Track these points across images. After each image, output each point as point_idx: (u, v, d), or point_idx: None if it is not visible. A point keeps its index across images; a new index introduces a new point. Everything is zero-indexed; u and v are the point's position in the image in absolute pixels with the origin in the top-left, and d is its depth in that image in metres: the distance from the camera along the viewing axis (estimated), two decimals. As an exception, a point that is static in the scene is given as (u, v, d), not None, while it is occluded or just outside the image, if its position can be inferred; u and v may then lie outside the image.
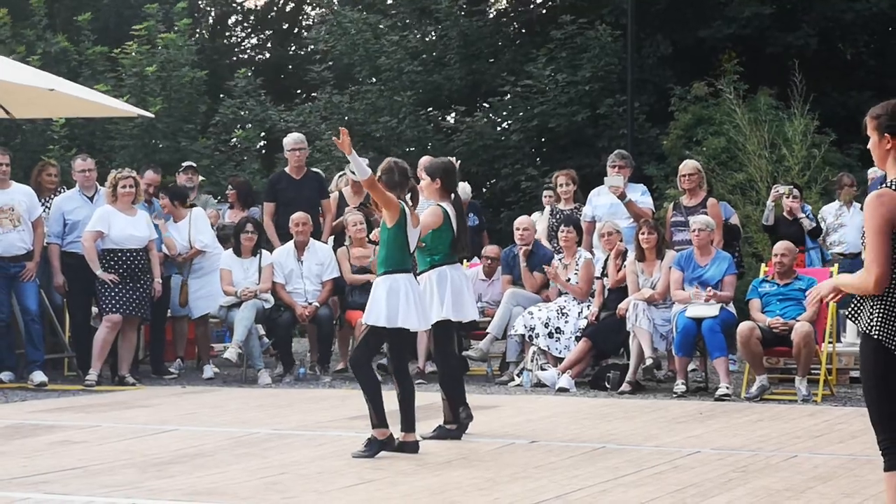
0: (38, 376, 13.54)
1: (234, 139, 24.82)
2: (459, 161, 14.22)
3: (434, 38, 26.15)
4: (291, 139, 15.48)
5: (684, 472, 8.37)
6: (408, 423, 9.26)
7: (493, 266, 14.49)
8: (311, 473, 8.40)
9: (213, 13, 33.92)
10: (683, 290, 13.00)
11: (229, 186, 16.59)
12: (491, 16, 26.63)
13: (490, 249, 14.70)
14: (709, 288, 12.81)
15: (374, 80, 25.05)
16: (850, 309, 5.74)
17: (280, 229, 14.84)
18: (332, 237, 15.09)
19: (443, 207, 9.78)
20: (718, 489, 7.81)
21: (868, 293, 5.60)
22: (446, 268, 9.85)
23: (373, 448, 9.08)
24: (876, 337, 5.56)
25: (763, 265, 13.78)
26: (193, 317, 14.86)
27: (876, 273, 5.53)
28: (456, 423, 9.87)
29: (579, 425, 10.70)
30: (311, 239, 14.47)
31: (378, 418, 9.17)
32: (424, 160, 14.92)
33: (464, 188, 14.84)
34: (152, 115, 18.76)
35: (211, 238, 14.85)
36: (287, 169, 15.45)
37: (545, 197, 16.65)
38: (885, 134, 5.69)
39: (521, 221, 14.58)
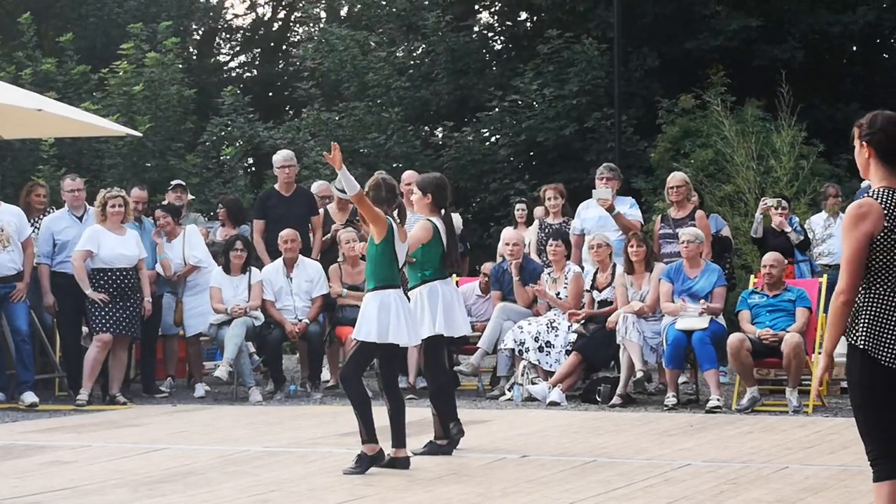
0: (29, 397, 13.51)
1: (224, 156, 24.83)
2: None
3: (421, 53, 26.18)
4: (281, 156, 15.51)
5: (675, 485, 8.38)
6: (398, 439, 9.27)
7: (490, 283, 14.49)
8: (301, 491, 8.40)
9: (199, 32, 33.90)
10: (673, 301, 13.03)
11: (219, 204, 16.59)
12: (476, 31, 26.63)
13: (487, 266, 14.73)
14: (702, 300, 12.82)
15: (363, 96, 25.06)
16: (847, 325, 5.75)
17: (270, 246, 14.85)
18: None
19: (433, 222, 9.79)
20: (710, 502, 7.83)
21: (838, 303, 5.64)
22: (437, 283, 9.85)
23: (363, 464, 9.09)
24: (862, 347, 5.58)
25: (752, 277, 13.80)
26: (188, 335, 14.84)
27: (842, 300, 5.61)
28: (446, 438, 9.87)
29: (570, 439, 10.71)
30: (300, 255, 14.47)
31: (368, 434, 9.18)
32: (408, 174, 15.04)
33: (457, 221, 14.86)
34: (140, 134, 18.76)
35: (205, 254, 14.84)
36: (276, 186, 15.47)
37: (517, 212, 16.71)
38: (863, 143, 5.74)
39: (509, 237, 14.59)
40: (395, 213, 9.45)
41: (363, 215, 9.40)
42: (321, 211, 15.36)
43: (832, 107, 22.77)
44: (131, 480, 8.87)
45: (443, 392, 10.03)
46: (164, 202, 15.77)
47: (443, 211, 9.92)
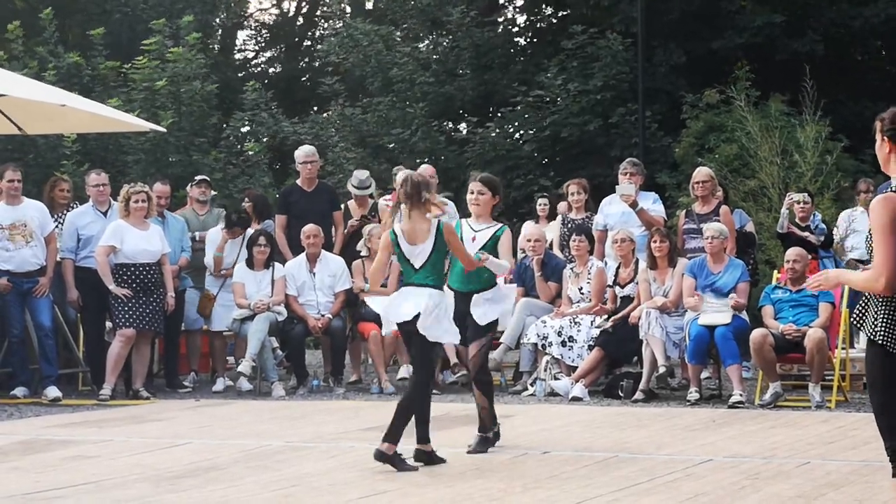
0: (52, 391, 13.56)
1: (249, 152, 24.85)
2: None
3: (445, 48, 26.16)
4: (303, 152, 15.53)
5: (697, 481, 8.36)
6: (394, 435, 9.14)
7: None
8: (323, 486, 8.40)
9: (221, 28, 33.93)
10: (697, 295, 12.99)
11: (245, 199, 16.62)
12: (501, 26, 26.60)
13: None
14: (732, 296, 12.78)
15: (387, 91, 25.06)
16: (854, 315, 5.73)
17: (292, 241, 14.87)
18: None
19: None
20: (730, 497, 7.80)
21: (875, 293, 5.59)
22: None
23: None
24: (881, 343, 5.55)
25: (775, 272, 13.75)
26: (214, 328, 14.85)
27: (886, 275, 5.52)
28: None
29: (592, 434, 10.69)
30: (323, 251, 14.49)
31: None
32: (425, 168, 15.01)
33: (451, 209, 14.87)
34: (164, 130, 18.79)
35: None
36: (299, 181, 15.50)
37: (539, 206, 16.73)
38: (885, 138, 5.70)
39: (531, 233, 14.59)
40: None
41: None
42: (342, 206, 15.38)
43: (857, 102, 22.69)
44: (153, 475, 8.88)
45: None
46: (210, 198, 15.80)
47: None
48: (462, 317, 9.66)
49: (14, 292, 13.76)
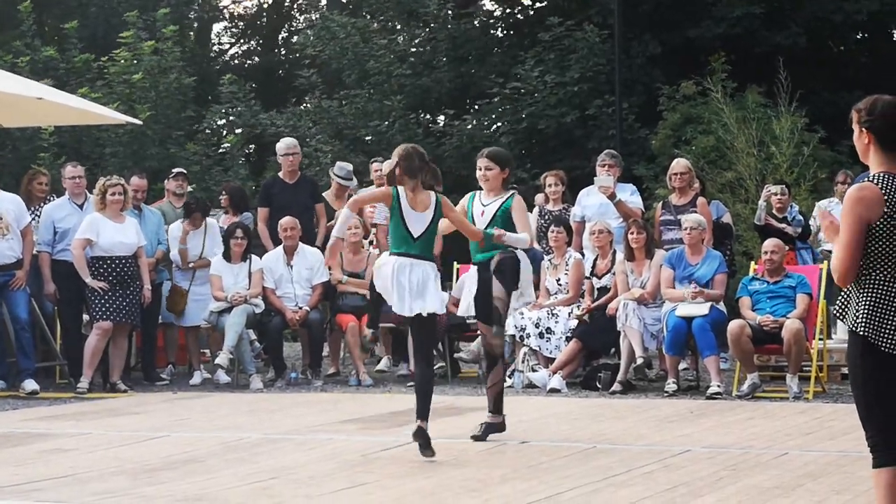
0: (30, 384, 13.52)
1: (226, 144, 24.82)
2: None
3: (422, 41, 26.13)
4: (284, 144, 15.52)
5: (675, 472, 8.38)
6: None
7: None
8: (301, 478, 8.39)
9: (197, 20, 33.82)
10: (674, 288, 13.02)
11: (223, 192, 16.61)
12: (478, 18, 26.56)
13: None
14: (693, 284, 12.82)
15: (364, 84, 25.02)
16: (836, 306, 5.74)
17: (275, 234, 14.84)
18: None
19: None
20: (709, 488, 7.82)
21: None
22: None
23: (486, 431, 9.75)
24: (862, 333, 5.56)
25: (753, 263, 13.79)
26: (186, 325, 14.82)
27: (839, 273, 5.57)
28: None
29: (570, 425, 10.71)
30: (301, 243, 14.46)
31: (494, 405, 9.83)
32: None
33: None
34: (140, 122, 18.74)
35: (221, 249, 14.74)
36: (280, 174, 15.48)
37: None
38: (863, 129, 5.70)
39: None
40: (429, 177, 9.42)
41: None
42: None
43: (834, 94, 22.72)
44: (131, 468, 8.85)
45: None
46: (192, 194, 15.76)
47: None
48: (486, 287, 9.72)
49: (-10, 286, 13.73)
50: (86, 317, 14.22)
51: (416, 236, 9.28)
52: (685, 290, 12.87)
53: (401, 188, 9.37)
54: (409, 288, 9.21)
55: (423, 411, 9.07)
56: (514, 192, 9.98)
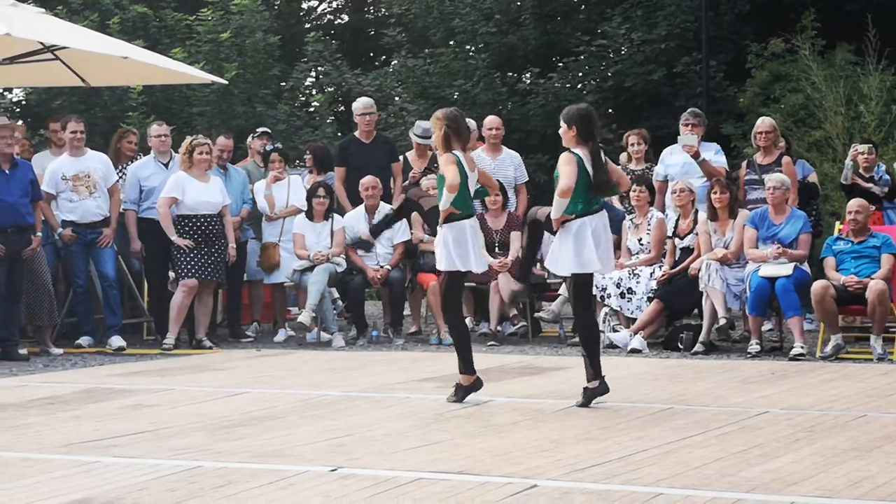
0: (117, 341, 13.74)
1: (314, 103, 24.90)
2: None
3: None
4: (360, 103, 15.55)
5: (750, 433, 8.33)
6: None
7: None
8: (376, 435, 8.45)
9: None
10: (757, 248, 12.91)
11: (306, 151, 16.70)
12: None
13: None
14: (776, 244, 12.71)
15: (449, 42, 24.95)
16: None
17: (351, 194, 14.92)
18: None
19: (576, 154, 9.52)
20: (784, 449, 7.76)
21: None
22: (586, 219, 9.52)
23: (459, 393, 9.71)
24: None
25: (837, 223, 13.64)
26: (274, 280, 14.95)
27: None
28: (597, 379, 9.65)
29: (649, 386, 10.67)
30: (382, 202, 14.52)
31: (465, 365, 9.75)
32: (490, 119, 15.04)
33: (514, 158, 14.90)
34: (226, 82, 18.85)
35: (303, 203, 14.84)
36: (357, 133, 15.53)
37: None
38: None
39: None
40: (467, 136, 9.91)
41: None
42: (400, 158, 15.39)
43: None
44: (210, 424, 8.95)
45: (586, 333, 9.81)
46: (278, 146, 15.86)
47: (590, 143, 9.54)
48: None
49: (78, 243, 13.94)
50: (172, 274, 14.39)
51: (472, 195, 9.81)
52: (768, 250, 12.76)
53: (457, 152, 9.62)
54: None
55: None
56: (565, 151, 9.75)
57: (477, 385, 9.79)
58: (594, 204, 9.60)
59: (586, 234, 9.49)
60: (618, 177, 9.89)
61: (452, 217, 9.69)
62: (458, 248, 9.69)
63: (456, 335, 9.91)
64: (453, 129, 9.73)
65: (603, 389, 9.55)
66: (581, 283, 9.74)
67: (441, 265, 9.83)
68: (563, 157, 9.53)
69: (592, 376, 9.57)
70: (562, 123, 9.68)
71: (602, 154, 9.67)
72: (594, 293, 13.57)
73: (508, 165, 15.02)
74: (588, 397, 9.53)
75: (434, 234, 10.42)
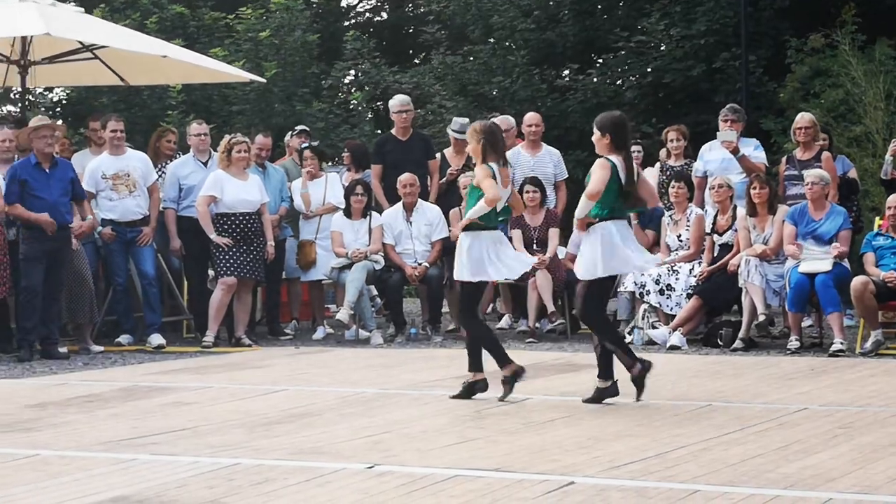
0: (156, 339, 13.79)
1: (353, 101, 24.95)
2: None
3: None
4: (397, 101, 15.56)
5: (789, 429, 8.30)
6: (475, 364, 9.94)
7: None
8: (413, 432, 8.46)
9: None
10: (796, 244, 12.85)
11: (345, 149, 16.73)
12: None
13: None
14: (835, 245, 12.62)
15: (488, 39, 24.94)
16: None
17: (388, 191, 14.93)
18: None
19: (610, 160, 9.48)
20: (822, 445, 7.73)
21: None
22: (610, 223, 9.47)
23: (509, 383, 9.75)
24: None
25: (877, 219, 13.56)
26: (312, 278, 14.97)
27: None
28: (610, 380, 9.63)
29: (688, 383, 10.65)
30: (419, 199, 14.54)
31: (500, 360, 9.82)
32: (531, 116, 15.02)
33: (555, 155, 14.87)
34: (264, 80, 18.91)
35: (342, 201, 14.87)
36: (393, 131, 15.55)
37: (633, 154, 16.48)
38: None
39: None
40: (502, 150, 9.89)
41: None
42: (437, 155, 15.40)
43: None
44: (248, 421, 8.99)
45: (609, 332, 9.85)
46: (313, 143, 15.89)
47: (623, 150, 9.53)
48: None
49: (118, 241, 14.00)
50: (211, 272, 14.44)
51: (499, 210, 9.88)
52: (793, 248, 12.68)
53: (492, 164, 9.71)
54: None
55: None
56: (601, 158, 9.72)
57: (514, 376, 9.78)
58: (619, 211, 9.59)
59: (613, 237, 9.46)
60: (649, 194, 9.98)
61: (474, 226, 9.76)
62: (471, 258, 9.74)
63: (479, 336, 9.97)
64: (490, 143, 9.77)
65: (614, 391, 9.57)
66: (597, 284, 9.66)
67: (455, 274, 9.96)
68: (599, 162, 9.53)
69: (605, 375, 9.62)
70: (595, 130, 9.65)
71: (636, 166, 9.74)
72: (633, 290, 13.59)
73: (548, 162, 15.04)
74: (598, 396, 9.54)
75: None
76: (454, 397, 9.83)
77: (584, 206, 9.45)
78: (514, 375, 9.77)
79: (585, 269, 9.54)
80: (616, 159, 9.49)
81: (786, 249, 12.88)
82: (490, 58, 24.17)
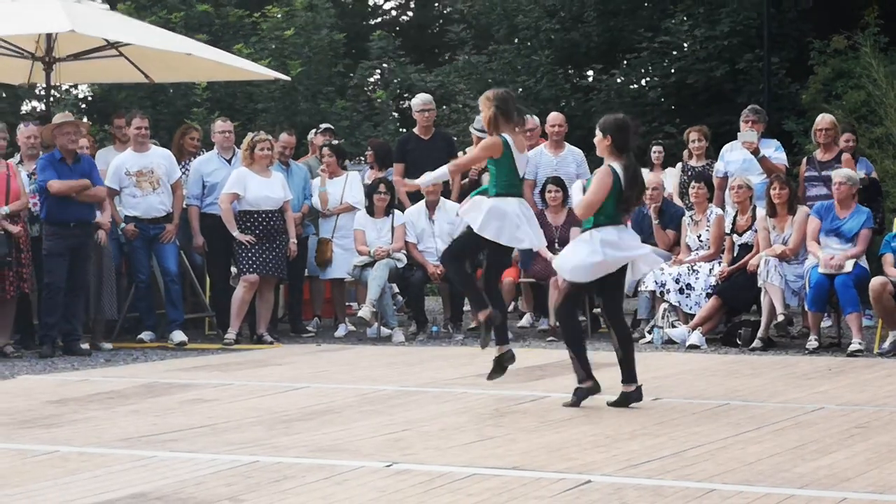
0: (178, 336, 13.86)
1: (378, 100, 25.03)
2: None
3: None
4: (420, 100, 15.62)
5: (806, 429, 8.33)
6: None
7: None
8: (433, 430, 8.51)
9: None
10: (819, 241, 12.84)
11: (368, 147, 16.79)
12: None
13: None
14: (833, 257, 12.61)
15: (512, 39, 24.99)
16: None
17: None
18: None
19: (612, 167, 9.35)
20: (838, 445, 7.77)
21: None
22: (609, 228, 9.33)
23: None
24: None
25: (895, 220, 13.57)
26: (332, 276, 15.04)
27: None
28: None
29: (706, 382, 10.68)
30: (442, 198, 14.59)
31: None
32: (554, 116, 15.06)
33: (577, 155, 14.90)
34: (288, 78, 18.98)
35: (362, 200, 14.93)
36: (416, 130, 15.60)
37: (654, 154, 16.53)
38: None
39: (648, 181, 14.45)
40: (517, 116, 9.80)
41: (475, 159, 10.27)
42: (460, 154, 15.44)
43: None
44: (268, 419, 9.04)
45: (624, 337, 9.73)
46: (334, 142, 15.95)
47: (624, 154, 9.36)
48: None
49: (141, 238, 14.07)
50: (233, 269, 14.51)
51: (521, 176, 9.87)
52: (824, 256, 12.69)
53: (506, 135, 9.64)
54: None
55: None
56: (604, 165, 9.67)
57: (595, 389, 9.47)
58: (616, 218, 9.43)
59: (609, 240, 9.33)
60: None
61: (501, 192, 9.69)
62: (490, 215, 9.59)
63: (459, 282, 10.35)
64: (502, 111, 9.65)
65: (595, 389, 9.46)
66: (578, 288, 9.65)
67: (476, 226, 9.73)
68: (601, 170, 9.39)
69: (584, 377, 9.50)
70: (597, 132, 9.48)
71: (638, 170, 9.56)
72: (653, 289, 13.63)
73: (571, 162, 15.08)
74: (579, 397, 9.43)
75: None
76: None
77: (581, 212, 9.42)
78: (486, 321, 9.89)
79: (574, 271, 9.39)
80: (617, 165, 9.35)
81: (809, 245, 12.87)
82: (514, 57, 24.24)
